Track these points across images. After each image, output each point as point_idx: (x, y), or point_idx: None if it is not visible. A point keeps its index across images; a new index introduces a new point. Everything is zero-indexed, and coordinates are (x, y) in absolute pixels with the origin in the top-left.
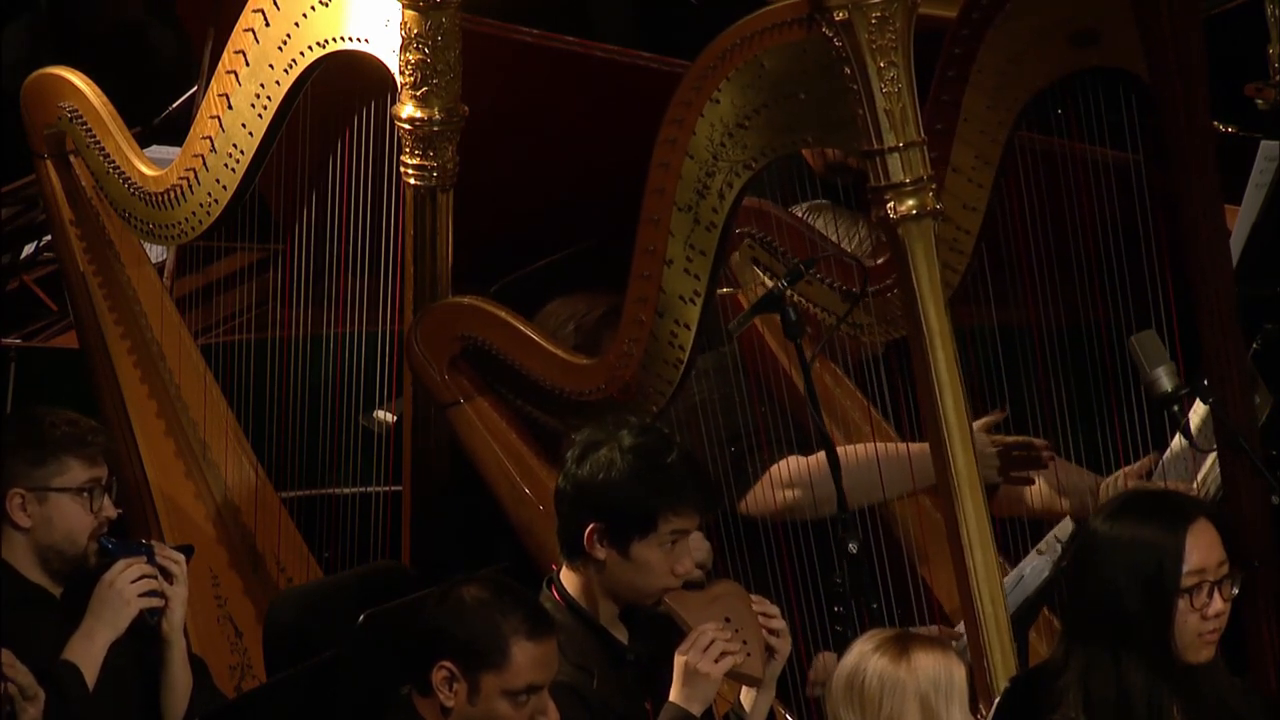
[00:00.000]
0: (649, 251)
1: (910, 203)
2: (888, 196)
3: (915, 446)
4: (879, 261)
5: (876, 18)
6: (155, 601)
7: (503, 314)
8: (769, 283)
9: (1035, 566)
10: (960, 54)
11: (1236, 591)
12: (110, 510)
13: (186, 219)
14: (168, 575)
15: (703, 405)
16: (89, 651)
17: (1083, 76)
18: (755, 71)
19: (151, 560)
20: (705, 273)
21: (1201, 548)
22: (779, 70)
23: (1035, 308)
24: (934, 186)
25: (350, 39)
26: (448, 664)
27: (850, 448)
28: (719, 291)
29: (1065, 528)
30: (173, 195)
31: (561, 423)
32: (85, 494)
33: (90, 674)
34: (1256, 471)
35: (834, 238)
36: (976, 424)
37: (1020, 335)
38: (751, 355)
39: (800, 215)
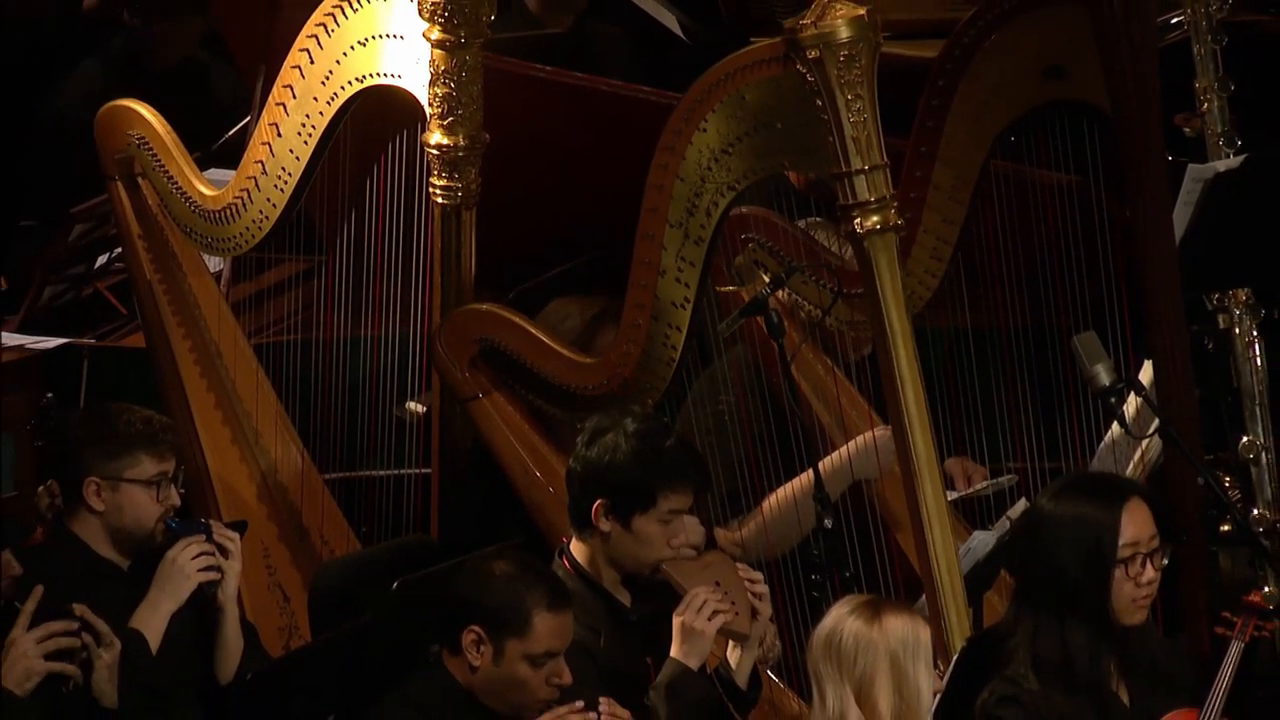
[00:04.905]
0: (645, 263)
1: (875, 219)
2: (854, 213)
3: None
4: None
5: (844, 55)
6: (212, 575)
7: (516, 319)
8: (767, 279)
9: (982, 540)
10: (943, 85)
11: (1166, 562)
12: (175, 498)
13: (241, 233)
14: (224, 551)
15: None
16: (153, 620)
17: (1051, 107)
18: (738, 103)
19: (210, 538)
20: (694, 281)
21: (1135, 523)
22: (759, 102)
23: (1003, 312)
24: (896, 204)
25: (385, 75)
26: (476, 629)
27: (768, 502)
28: (725, 289)
29: (1018, 508)
30: (229, 212)
31: (568, 415)
32: (153, 485)
33: (154, 640)
34: (1186, 458)
35: (829, 245)
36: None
37: (989, 336)
38: (756, 354)
39: (803, 229)
